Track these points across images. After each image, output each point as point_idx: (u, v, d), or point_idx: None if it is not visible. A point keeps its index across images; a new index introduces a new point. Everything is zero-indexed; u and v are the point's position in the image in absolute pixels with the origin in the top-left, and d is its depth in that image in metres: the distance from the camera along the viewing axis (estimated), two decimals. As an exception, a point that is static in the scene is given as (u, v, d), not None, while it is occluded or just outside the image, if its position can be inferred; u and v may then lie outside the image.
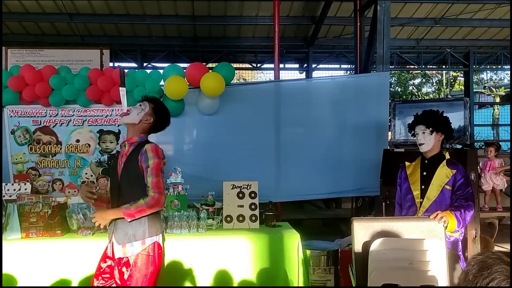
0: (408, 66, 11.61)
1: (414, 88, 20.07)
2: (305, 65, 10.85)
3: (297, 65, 11.50)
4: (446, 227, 2.80)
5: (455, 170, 3.10)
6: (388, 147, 4.62)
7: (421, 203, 3.18)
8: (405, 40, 9.97)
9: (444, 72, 17.02)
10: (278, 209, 4.68)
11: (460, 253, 3.12)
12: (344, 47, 10.16)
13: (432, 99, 12.60)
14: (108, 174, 4.68)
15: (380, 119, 5.06)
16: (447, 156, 3.20)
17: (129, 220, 2.73)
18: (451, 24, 9.03)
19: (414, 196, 3.21)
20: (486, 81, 18.38)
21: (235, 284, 3.62)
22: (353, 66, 7.95)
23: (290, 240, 3.72)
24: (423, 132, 3.15)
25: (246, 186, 4.07)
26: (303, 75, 11.34)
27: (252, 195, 4.05)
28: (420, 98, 17.47)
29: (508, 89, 15.08)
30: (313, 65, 10.70)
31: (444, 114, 3.20)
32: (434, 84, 20.09)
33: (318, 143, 5.09)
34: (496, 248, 3.82)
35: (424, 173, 3.21)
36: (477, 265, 1.20)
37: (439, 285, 2.54)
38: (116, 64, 9.88)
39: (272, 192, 4.72)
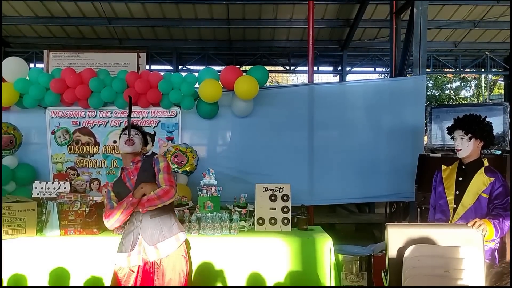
0: (445, 70, 11.34)
1: (452, 92, 19.58)
2: (339, 68, 10.76)
3: (331, 68, 11.43)
4: (484, 236, 2.72)
5: (493, 178, 3.00)
6: (424, 152, 4.52)
7: (454, 209, 3.10)
8: (443, 42, 9.76)
9: (483, 75, 16.51)
10: (311, 213, 4.66)
11: (497, 262, 3.03)
12: (379, 50, 10.03)
13: (471, 103, 12.24)
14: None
15: (416, 124, 4.96)
16: (486, 163, 3.10)
17: (140, 210, 2.88)
18: (491, 27, 8.79)
19: (448, 201, 3.14)
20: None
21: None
22: (388, 69, 7.83)
23: (322, 244, 3.70)
24: (461, 138, 3.08)
25: (278, 189, 4.09)
26: (337, 78, 11.26)
27: (285, 198, 4.06)
28: (457, 103, 17.05)
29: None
30: (347, 68, 10.61)
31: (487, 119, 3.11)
32: (473, 87, 19.55)
33: (352, 147, 5.03)
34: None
35: (460, 179, 3.14)
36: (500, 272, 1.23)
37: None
38: (153, 67, 10.08)
39: (304, 195, 4.72)
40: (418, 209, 3.65)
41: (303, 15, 7.87)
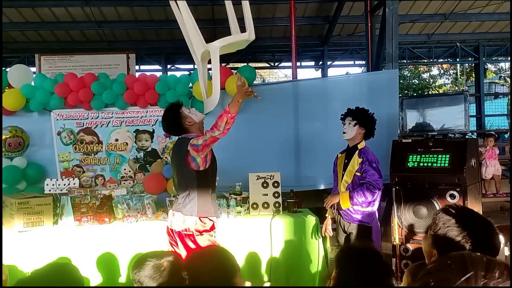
0: (419, 60, 11.91)
1: (430, 80, 20.34)
2: (321, 62, 11.24)
3: (313, 63, 11.91)
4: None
5: (362, 159, 3.70)
6: (398, 138, 5.00)
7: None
8: (417, 35, 10.29)
9: (458, 65, 17.25)
10: (299, 197, 5.13)
11: (372, 224, 3.77)
12: (358, 44, 10.53)
13: (435, 94, 12.93)
14: (144, 169, 5.21)
15: (391, 113, 5.44)
16: (359, 146, 3.81)
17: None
18: (460, 19, 9.33)
19: (338, 180, 3.90)
20: (504, 71, 18.52)
21: (263, 262, 4.11)
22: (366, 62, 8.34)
23: (310, 223, 4.20)
24: (349, 123, 3.82)
25: (269, 177, 4.55)
26: (319, 72, 11.75)
27: (275, 184, 4.52)
28: (435, 91, 17.77)
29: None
30: (328, 62, 11.09)
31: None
32: (452, 74, 20.38)
33: (334, 136, 5.43)
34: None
35: (346, 161, 3.85)
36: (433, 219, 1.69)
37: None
38: (142, 67, 10.41)
39: (293, 182, 5.14)
40: (393, 189, 4.13)
41: (285, 13, 8.30)
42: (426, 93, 17.31)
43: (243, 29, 4.00)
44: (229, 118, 3.14)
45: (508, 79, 16.99)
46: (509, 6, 8.59)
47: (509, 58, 11.38)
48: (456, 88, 19.19)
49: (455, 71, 19.93)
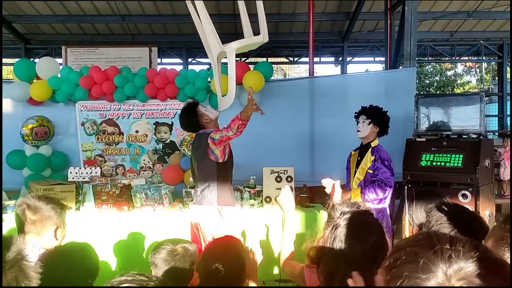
0: (441, 58, 11.79)
1: (453, 77, 20.10)
2: (340, 58, 11.23)
3: (332, 59, 11.90)
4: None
5: (375, 157, 3.74)
6: (412, 137, 5.03)
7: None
8: (439, 32, 10.18)
9: (483, 63, 16.99)
10: (312, 192, 5.22)
11: (382, 221, 3.71)
12: (378, 40, 10.44)
13: (451, 93, 12.77)
14: (163, 160, 5.38)
15: (407, 111, 5.47)
16: (373, 144, 3.84)
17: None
18: (484, 17, 9.20)
19: (351, 177, 3.93)
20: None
21: (274, 255, 4.22)
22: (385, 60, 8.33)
23: (322, 218, 4.27)
24: (363, 122, 3.84)
25: (283, 171, 4.64)
26: (338, 68, 11.74)
27: (289, 179, 4.61)
28: (457, 89, 17.54)
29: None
30: (348, 58, 11.07)
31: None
32: (478, 73, 20.12)
33: (349, 132, 5.51)
34: None
35: (359, 158, 3.89)
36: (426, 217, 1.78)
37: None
38: (164, 60, 10.59)
39: (306, 177, 5.25)
40: (405, 187, 4.18)
41: (305, 9, 8.32)
42: (449, 91, 17.15)
43: (256, 24, 4.11)
44: (240, 124, 3.32)
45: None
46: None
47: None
48: (482, 86, 18.94)
49: (480, 69, 19.64)
